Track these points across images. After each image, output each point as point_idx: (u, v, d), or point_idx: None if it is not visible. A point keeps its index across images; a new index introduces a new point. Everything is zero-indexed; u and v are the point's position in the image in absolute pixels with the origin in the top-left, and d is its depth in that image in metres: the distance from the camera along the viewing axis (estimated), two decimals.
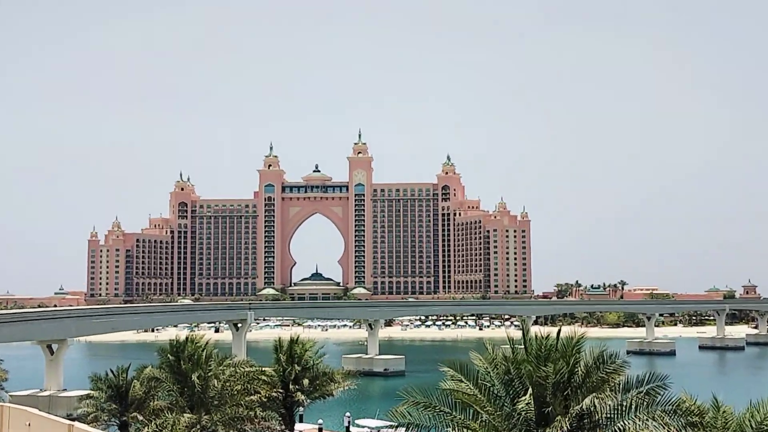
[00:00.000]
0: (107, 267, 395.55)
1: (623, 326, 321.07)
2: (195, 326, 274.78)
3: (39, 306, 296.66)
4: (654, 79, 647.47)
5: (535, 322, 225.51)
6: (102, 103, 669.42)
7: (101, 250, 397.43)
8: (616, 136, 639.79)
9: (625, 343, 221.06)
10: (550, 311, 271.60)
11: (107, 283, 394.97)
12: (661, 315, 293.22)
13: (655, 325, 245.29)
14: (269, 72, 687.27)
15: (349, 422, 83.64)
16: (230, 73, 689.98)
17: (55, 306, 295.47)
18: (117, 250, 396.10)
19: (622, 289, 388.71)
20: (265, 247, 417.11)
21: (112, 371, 52.78)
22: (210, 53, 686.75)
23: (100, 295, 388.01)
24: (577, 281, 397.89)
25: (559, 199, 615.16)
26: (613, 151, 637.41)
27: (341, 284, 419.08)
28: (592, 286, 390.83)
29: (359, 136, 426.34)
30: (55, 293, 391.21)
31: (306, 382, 58.05)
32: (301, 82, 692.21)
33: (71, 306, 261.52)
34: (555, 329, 31.63)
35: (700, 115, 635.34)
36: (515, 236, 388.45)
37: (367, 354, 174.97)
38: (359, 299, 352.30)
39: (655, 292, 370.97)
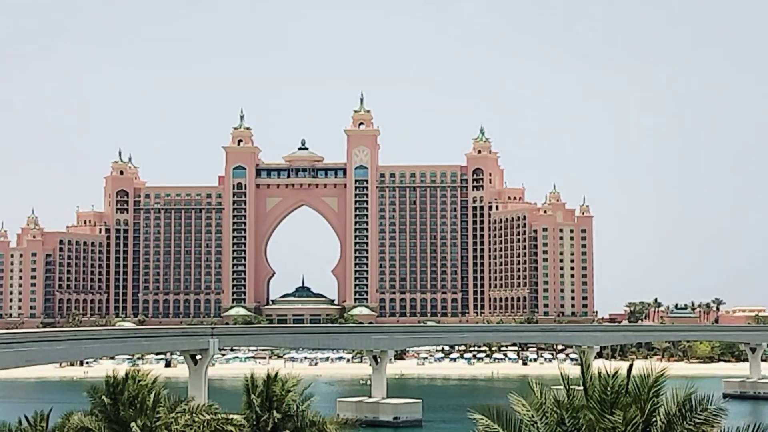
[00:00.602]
0: (20, 278, 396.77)
1: (719, 360, 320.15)
2: (138, 358, 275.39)
3: None
4: None
5: (599, 355, 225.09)
6: (14, 58, 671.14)
7: (12, 256, 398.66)
8: (722, 121, 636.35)
9: (722, 383, 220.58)
10: (620, 340, 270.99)
11: (20, 300, 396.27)
12: None
13: (762, 360, 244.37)
14: (241, 12, 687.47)
15: None
16: (186, 16, 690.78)
17: None
18: (33, 254, 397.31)
19: (717, 310, 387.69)
20: (234, 251, 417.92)
21: (26, 418, 52.84)
22: None
23: (11, 315, 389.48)
24: (655, 299, 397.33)
25: (633, 190, 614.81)
26: (712, 137, 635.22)
27: (336, 302, 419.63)
28: (676, 306, 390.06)
29: (361, 101, 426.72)
30: None
31: None
32: (283, 26, 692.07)
33: None
34: (625, 364, 31.60)
35: None
36: (572, 238, 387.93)
37: (370, 397, 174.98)
38: (360, 323, 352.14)
39: (762, 314, 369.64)
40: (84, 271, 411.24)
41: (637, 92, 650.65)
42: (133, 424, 49.48)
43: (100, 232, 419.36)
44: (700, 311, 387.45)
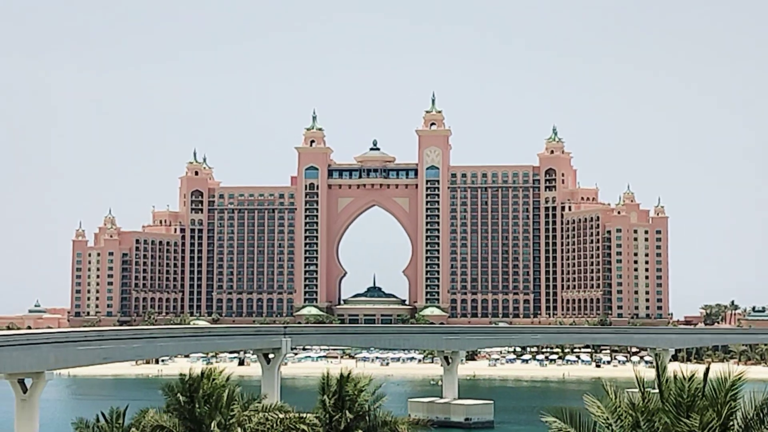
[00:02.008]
0: (97, 277, 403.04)
1: None
2: (213, 357, 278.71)
3: (8, 328, 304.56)
4: None
5: (674, 358, 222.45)
6: (89, 58, 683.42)
7: (89, 255, 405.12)
8: None
9: None
10: (695, 342, 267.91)
11: (97, 299, 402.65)
12: None
13: None
14: (310, 15, 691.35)
15: None
16: (257, 19, 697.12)
17: (29, 328, 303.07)
18: (110, 254, 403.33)
19: None
20: (306, 251, 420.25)
21: (103, 415, 53.65)
22: None
23: (88, 314, 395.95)
24: (732, 302, 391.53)
25: (707, 190, 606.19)
26: None
27: (407, 303, 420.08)
28: (753, 309, 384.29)
29: (432, 101, 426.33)
30: (30, 311, 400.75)
31: None
32: (355, 29, 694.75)
33: (50, 329, 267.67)
34: (702, 367, 31.28)
35: None
36: (647, 239, 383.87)
37: (442, 397, 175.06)
38: (432, 323, 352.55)
39: None
40: (159, 270, 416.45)
41: (713, 92, 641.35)
42: (209, 421, 49.98)
43: (175, 231, 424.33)
44: None
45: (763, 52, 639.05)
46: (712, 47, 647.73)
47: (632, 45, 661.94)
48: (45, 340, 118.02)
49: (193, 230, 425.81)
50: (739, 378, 29.96)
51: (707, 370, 30.76)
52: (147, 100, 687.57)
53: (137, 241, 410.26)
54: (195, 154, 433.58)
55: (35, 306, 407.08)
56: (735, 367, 31.38)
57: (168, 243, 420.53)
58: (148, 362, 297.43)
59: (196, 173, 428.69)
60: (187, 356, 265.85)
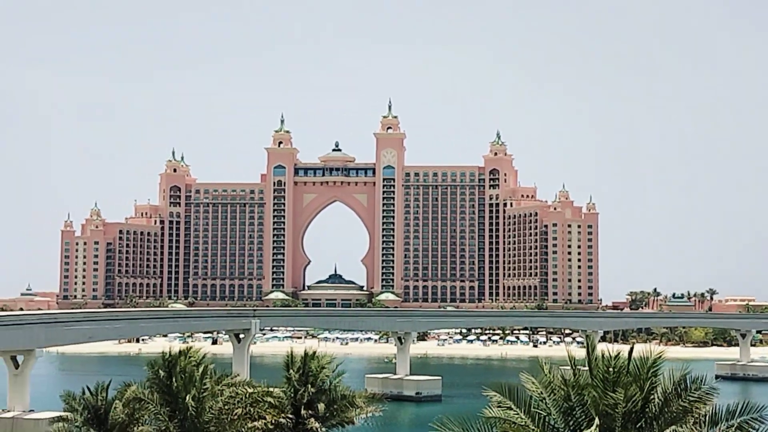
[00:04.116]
0: (84, 263, 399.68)
1: (711, 345, 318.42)
2: (188, 337, 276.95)
3: (2, 309, 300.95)
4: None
5: (603, 339, 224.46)
6: (74, 60, 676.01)
7: (77, 243, 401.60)
8: (717, 116, 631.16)
9: (714, 365, 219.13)
10: (621, 325, 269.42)
11: (83, 283, 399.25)
12: (759, 332, 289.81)
13: (752, 344, 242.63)
14: (279, 24, 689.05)
15: None
16: (233, 26, 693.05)
17: (21, 309, 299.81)
18: (96, 243, 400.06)
19: (711, 299, 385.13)
20: (274, 241, 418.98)
21: (88, 389, 53.25)
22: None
23: (75, 297, 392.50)
24: (655, 289, 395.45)
25: (633, 188, 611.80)
26: (707, 133, 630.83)
27: (365, 288, 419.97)
28: (673, 295, 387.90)
29: (389, 107, 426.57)
30: (22, 294, 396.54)
31: (321, 406, 58.21)
32: (320, 42, 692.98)
33: (40, 310, 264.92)
34: (627, 347, 31.53)
35: None
36: (579, 232, 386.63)
37: (395, 374, 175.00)
38: (387, 307, 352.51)
39: (751, 303, 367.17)
40: (140, 258, 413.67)
41: (639, 93, 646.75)
42: (185, 395, 49.84)
43: (155, 223, 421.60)
44: (695, 300, 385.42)
45: (679, 54, 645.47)
46: (634, 54, 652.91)
47: (567, 57, 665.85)
48: (36, 320, 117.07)
49: (171, 222, 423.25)
50: (660, 357, 30.20)
51: (631, 349, 30.96)
52: (130, 103, 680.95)
53: (120, 232, 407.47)
54: (174, 152, 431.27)
55: (27, 290, 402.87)
56: (656, 347, 31.63)
57: (148, 233, 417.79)
58: (129, 341, 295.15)
59: (175, 170, 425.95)
60: (165, 336, 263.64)
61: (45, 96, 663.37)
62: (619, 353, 30.64)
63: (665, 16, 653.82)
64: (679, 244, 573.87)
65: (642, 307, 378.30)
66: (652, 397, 29.53)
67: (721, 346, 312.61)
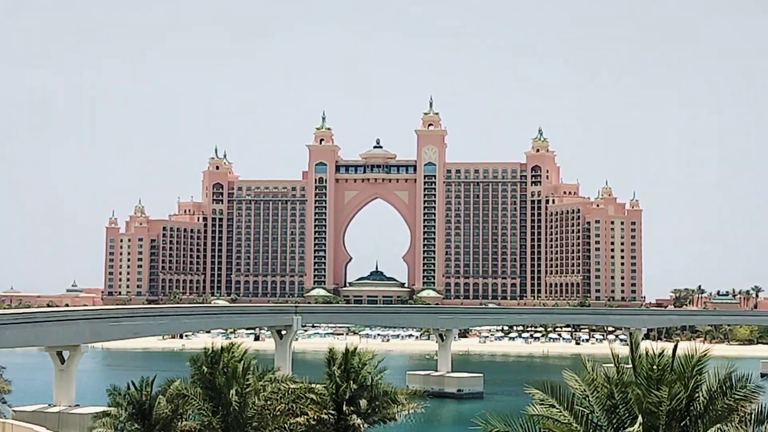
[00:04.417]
0: (128, 260, 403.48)
1: (757, 343, 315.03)
2: (231, 333, 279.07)
3: (48, 305, 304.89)
4: None
5: (646, 336, 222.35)
6: (120, 64, 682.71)
7: (121, 240, 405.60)
8: (762, 111, 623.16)
9: (759, 363, 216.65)
10: (665, 323, 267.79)
11: (128, 280, 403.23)
12: None
13: None
14: (320, 25, 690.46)
15: None
16: (274, 26, 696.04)
17: (67, 306, 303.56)
18: (140, 239, 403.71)
19: (756, 296, 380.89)
20: (315, 238, 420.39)
21: (133, 384, 53.74)
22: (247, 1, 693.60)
23: (120, 293, 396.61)
24: (699, 287, 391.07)
25: (679, 185, 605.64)
26: (753, 128, 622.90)
27: (406, 285, 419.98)
28: (718, 292, 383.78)
29: (430, 104, 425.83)
30: (68, 290, 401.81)
31: (363, 403, 58.30)
32: (359, 36, 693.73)
33: (86, 306, 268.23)
34: (671, 345, 31.28)
35: None
36: (623, 229, 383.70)
37: (436, 371, 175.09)
38: (428, 304, 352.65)
39: None
40: (184, 254, 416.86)
41: (683, 88, 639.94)
42: (228, 390, 50.15)
43: (198, 220, 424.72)
44: (740, 297, 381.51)
45: (727, 55, 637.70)
46: (679, 50, 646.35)
47: (609, 52, 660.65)
48: (81, 316, 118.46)
49: (214, 219, 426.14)
50: (705, 355, 29.96)
51: (675, 347, 30.73)
52: (174, 101, 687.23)
53: (164, 229, 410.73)
54: (216, 150, 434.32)
55: (72, 286, 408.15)
56: (701, 345, 31.38)
57: (191, 230, 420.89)
58: (173, 337, 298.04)
59: (218, 168, 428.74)
60: (208, 332, 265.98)
61: (90, 94, 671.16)
62: (663, 351, 30.43)
63: (710, 9, 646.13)
64: (725, 241, 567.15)
65: (686, 305, 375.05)
66: (696, 395, 29.31)
67: (767, 344, 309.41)
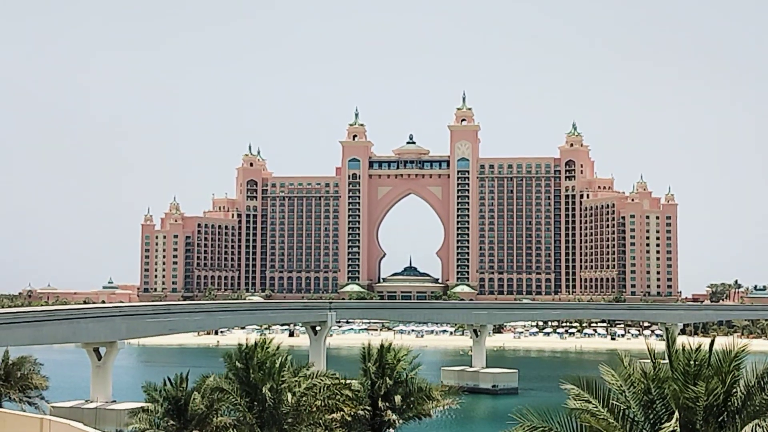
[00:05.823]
0: (164, 257, 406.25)
1: None
2: (266, 329, 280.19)
3: (84, 302, 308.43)
4: None
5: (683, 332, 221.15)
6: (154, 65, 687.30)
7: (156, 237, 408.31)
8: None
9: None
10: (702, 318, 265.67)
11: (163, 276, 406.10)
12: None
13: None
14: (352, 20, 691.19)
15: None
16: (306, 24, 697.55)
17: (104, 302, 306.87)
18: (175, 236, 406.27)
19: None
20: (349, 234, 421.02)
21: (169, 380, 54.16)
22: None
23: (155, 290, 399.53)
24: (736, 281, 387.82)
25: (714, 179, 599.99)
26: None
27: (440, 281, 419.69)
28: (755, 287, 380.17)
29: (463, 99, 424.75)
30: (104, 287, 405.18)
31: (398, 398, 58.36)
32: (394, 34, 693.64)
33: (122, 303, 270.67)
34: (707, 340, 31.06)
35: None
36: (658, 224, 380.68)
37: (471, 366, 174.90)
38: (462, 299, 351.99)
39: None
40: (218, 251, 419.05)
41: (718, 87, 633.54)
42: (263, 386, 50.34)
43: (233, 216, 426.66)
44: None
45: (761, 47, 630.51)
46: (716, 44, 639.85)
47: (643, 46, 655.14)
48: (117, 313, 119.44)
49: (248, 215, 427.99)
50: (742, 350, 29.76)
51: (712, 342, 30.53)
52: (209, 98, 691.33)
53: (199, 225, 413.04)
54: (250, 147, 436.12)
55: (108, 283, 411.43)
56: (738, 340, 31.16)
57: (226, 227, 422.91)
58: (208, 333, 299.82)
59: (251, 164, 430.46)
60: (242, 328, 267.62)
61: (126, 93, 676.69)
62: (699, 346, 30.27)
63: (744, 4, 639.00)
64: (761, 235, 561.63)
65: (722, 300, 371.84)
66: (734, 390, 29.10)
67: None
